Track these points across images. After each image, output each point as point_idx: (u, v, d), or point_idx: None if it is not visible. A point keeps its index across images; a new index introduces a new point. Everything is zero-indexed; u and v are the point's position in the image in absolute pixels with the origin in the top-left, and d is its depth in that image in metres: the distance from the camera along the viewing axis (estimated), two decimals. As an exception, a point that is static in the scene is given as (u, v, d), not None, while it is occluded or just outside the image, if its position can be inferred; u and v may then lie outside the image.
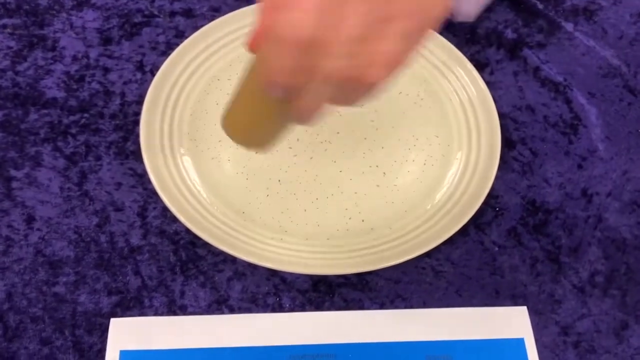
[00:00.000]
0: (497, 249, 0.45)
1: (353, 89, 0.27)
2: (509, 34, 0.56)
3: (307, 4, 0.24)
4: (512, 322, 0.42)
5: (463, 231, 0.44)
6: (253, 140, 0.34)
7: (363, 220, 0.44)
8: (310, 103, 0.27)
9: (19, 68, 0.51)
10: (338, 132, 0.48)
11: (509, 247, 0.45)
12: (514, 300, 0.43)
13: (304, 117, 0.29)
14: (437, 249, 0.42)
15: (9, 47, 0.52)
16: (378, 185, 0.45)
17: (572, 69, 0.54)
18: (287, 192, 0.45)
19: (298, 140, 0.47)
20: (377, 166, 0.46)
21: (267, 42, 0.26)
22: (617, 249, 0.45)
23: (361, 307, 0.42)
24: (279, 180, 0.45)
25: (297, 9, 0.24)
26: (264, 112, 0.32)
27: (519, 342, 0.41)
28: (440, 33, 0.52)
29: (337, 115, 0.48)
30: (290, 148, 0.47)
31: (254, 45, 0.29)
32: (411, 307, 0.42)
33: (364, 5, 0.25)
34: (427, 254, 0.43)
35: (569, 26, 0.57)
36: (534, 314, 0.42)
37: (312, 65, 0.25)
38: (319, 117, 0.29)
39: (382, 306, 0.42)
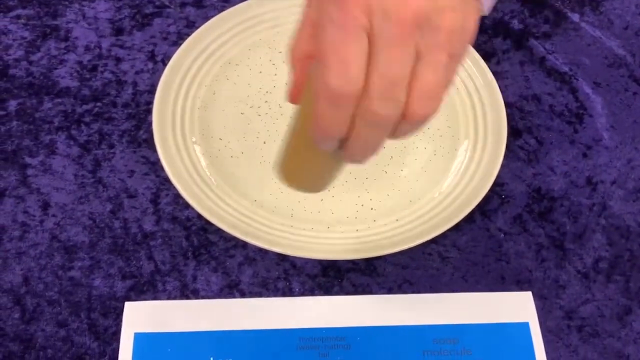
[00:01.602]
0: (502, 235, 0.46)
1: (403, 126, 0.27)
2: (516, 24, 0.57)
3: (348, 58, 0.25)
4: (517, 306, 0.43)
5: (469, 218, 0.45)
6: (309, 184, 0.35)
7: (372, 208, 0.45)
8: (362, 147, 0.28)
9: (33, 58, 0.52)
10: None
11: (514, 233, 0.46)
12: (519, 286, 0.44)
13: (358, 159, 0.30)
14: (443, 235, 0.43)
15: (23, 38, 0.53)
16: (386, 172, 0.46)
17: (578, 59, 0.55)
18: None
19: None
20: (384, 147, 0.47)
21: (318, 101, 0.27)
22: (620, 236, 0.46)
23: (369, 292, 0.43)
24: None
25: (339, 65, 0.25)
26: (318, 159, 0.32)
27: (524, 326, 0.42)
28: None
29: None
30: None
31: (295, 96, 0.31)
32: (418, 292, 0.43)
33: (397, 47, 0.25)
34: (434, 240, 0.44)
35: (575, 17, 0.57)
36: (538, 299, 0.43)
37: (362, 113, 0.26)
38: (373, 155, 0.30)
39: (389, 291, 0.43)
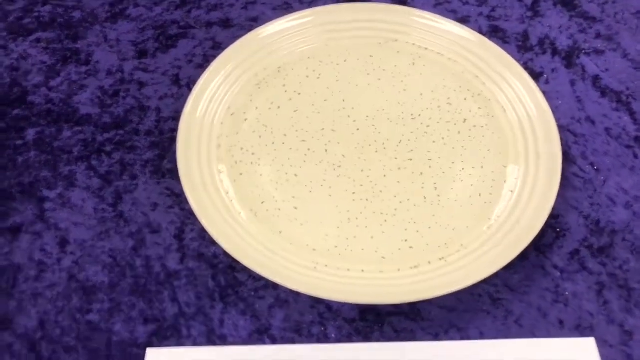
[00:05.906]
0: (559, 273, 0.41)
1: None
2: (564, 40, 0.52)
3: None
4: (579, 354, 0.38)
5: (522, 254, 0.41)
6: None
7: (411, 247, 0.41)
8: None
9: (52, 83, 0.49)
10: (384, 146, 0.45)
11: (572, 271, 0.42)
12: (580, 331, 0.39)
13: None
14: (494, 274, 0.39)
15: (43, 62, 0.50)
16: (427, 200, 0.42)
17: (635, 77, 0.50)
18: (359, 218, 0.42)
19: (344, 157, 0.44)
20: (434, 185, 0.43)
21: None
22: (692, 274, 0.42)
23: (413, 338, 0.39)
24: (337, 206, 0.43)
25: None
26: None
27: (587, 378, 0.38)
28: (490, 39, 0.49)
29: (382, 128, 0.46)
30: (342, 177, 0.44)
31: None
32: (467, 338, 0.39)
33: None
34: (484, 280, 0.40)
35: (630, 31, 0.53)
36: (602, 346, 0.39)
37: None
38: None
39: (436, 337, 0.39)
